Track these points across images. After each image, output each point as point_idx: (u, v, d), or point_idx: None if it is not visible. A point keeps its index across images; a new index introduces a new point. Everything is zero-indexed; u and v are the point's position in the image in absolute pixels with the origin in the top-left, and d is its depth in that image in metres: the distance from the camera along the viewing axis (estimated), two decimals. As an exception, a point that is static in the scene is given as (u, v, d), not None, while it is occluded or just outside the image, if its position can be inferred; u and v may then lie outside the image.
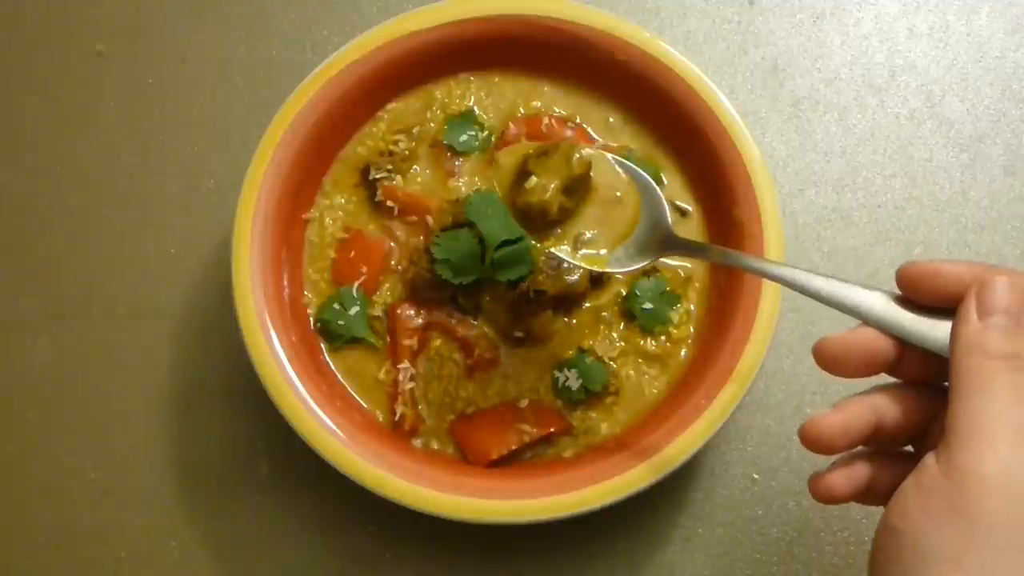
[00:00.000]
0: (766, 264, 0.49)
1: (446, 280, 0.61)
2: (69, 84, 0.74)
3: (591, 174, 0.55)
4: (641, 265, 0.54)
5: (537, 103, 0.67)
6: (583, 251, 0.55)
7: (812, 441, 0.45)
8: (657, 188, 0.55)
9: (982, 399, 0.41)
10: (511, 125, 0.66)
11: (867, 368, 0.46)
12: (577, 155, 0.54)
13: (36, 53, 0.75)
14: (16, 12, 0.75)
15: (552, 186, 0.54)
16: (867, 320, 0.45)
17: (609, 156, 0.56)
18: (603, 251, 0.55)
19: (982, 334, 0.42)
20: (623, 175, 0.56)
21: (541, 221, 0.55)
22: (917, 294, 0.45)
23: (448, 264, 0.61)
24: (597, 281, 0.63)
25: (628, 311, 0.63)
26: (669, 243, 0.54)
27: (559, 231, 0.55)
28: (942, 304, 0.45)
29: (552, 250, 0.55)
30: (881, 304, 0.45)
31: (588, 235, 0.55)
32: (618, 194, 0.55)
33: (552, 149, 0.55)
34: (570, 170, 0.54)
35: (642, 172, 0.56)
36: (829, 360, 0.46)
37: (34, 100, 0.74)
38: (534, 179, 0.54)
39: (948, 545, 0.39)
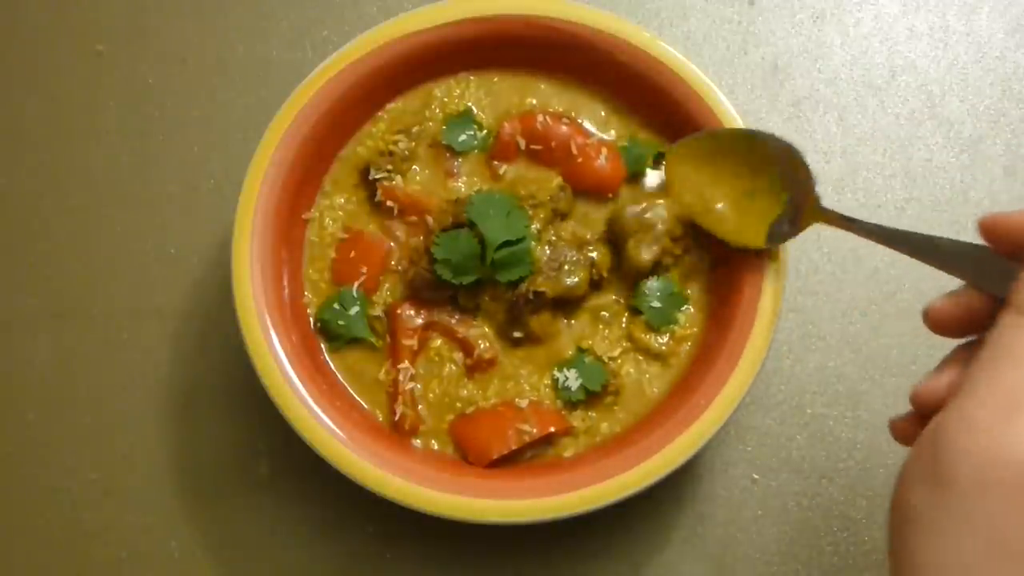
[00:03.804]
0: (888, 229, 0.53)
1: (446, 280, 0.61)
2: (69, 84, 0.74)
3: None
4: (795, 235, 0.58)
5: (532, 100, 0.67)
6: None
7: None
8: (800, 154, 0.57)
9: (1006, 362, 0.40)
10: (506, 125, 0.65)
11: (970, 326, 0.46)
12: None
13: (36, 53, 0.75)
14: (16, 12, 0.75)
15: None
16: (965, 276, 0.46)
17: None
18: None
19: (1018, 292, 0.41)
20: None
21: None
22: (999, 246, 0.45)
23: (448, 264, 0.61)
24: (597, 284, 0.63)
25: (634, 307, 0.63)
26: (815, 214, 0.57)
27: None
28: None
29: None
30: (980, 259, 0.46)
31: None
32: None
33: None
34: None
35: (780, 140, 0.58)
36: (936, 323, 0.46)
37: (34, 100, 0.74)
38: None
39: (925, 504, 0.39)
